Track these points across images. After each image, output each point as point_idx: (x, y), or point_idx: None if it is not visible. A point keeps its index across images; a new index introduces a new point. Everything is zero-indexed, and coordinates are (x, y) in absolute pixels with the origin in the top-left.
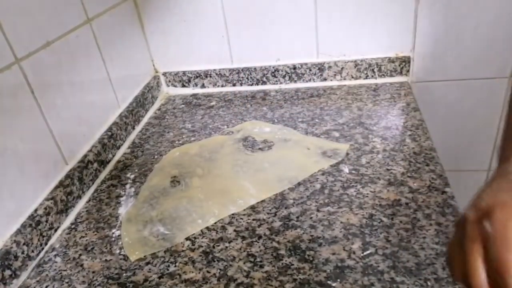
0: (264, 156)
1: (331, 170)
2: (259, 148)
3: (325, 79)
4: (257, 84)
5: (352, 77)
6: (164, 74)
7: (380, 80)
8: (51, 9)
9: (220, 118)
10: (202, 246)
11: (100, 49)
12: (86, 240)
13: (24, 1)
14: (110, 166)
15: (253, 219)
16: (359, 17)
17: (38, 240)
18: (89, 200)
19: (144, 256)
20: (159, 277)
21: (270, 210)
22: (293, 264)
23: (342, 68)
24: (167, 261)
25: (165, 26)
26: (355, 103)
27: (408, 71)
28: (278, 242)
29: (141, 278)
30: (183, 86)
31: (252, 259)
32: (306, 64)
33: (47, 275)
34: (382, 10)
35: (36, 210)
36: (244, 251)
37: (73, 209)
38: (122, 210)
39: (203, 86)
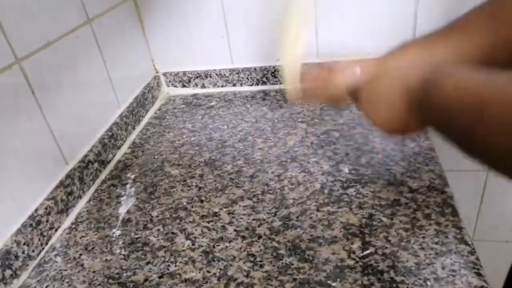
0: None
1: (331, 170)
2: None
3: None
4: (257, 84)
5: None
6: (165, 74)
7: None
8: (52, 9)
9: (220, 118)
10: (202, 246)
11: (101, 49)
12: (87, 240)
13: (25, 1)
14: (110, 166)
15: (253, 219)
16: (359, 18)
17: (39, 240)
18: (90, 200)
19: (144, 256)
20: (159, 277)
21: (270, 210)
22: (293, 264)
23: None
24: (167, 261)
25: (165, 26)
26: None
27: None
28: (278, 242)
29: (142, 277)
30: (183, 86)
31: (252, 259)
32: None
33: (47, 275)
34: (382, 10)
35: (36, 210)
36: (244, 250)
37: (73, 209)
38: (122, 210)
39: (203, 86)
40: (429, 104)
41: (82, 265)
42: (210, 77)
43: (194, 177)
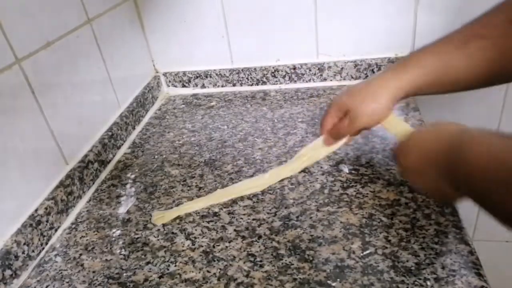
0: None
1: (331, 170)
2: None
3: (325, 79)
4: (257, 84)
5: (352, 77)
6: (165, 74)
7: None
8: (52, 9)
9: (220, 118)
10: (202, 246)
11: (101, 49)
12: (87, 240)
13: (25, 1)
14: (110, 166)
15: (253, 219)
16: (358, 17)
17: (39, 239)
18: (90, 200)
19: (144, 256)
20: (159, 277)
21: (270, 210)
22: (293, 264)
23: (342, 68)
24: (167, 261)
25: (165, 26)
26: None
27: None
28: (278, 242)
29: (141, 277)
30: (183, 86)
31: (252, 259)
32: (306, 64)
33: (47, 275)
34: (382, 10)
35: (36, 210)
36: (244, 250)
37: (73, 209)
38: (122, 210)
39: (203, 86)
40: (459, 175)
41: (82, 265)
42: (210, 77)
43: (194, 177)
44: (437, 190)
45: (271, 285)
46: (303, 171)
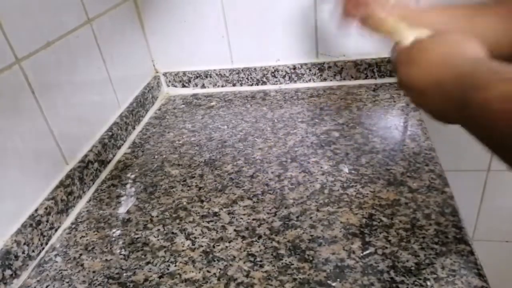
0: None
1: (331, 170)
2: None
3: (325, 79)
4: (257, 84)
5: (352, 77)
6: (165, 74)
7: (379, 80)
8: (52, 10)
9: (220, 118)
10: (202, 246)
11: (101, 49)
12: (87, 240)
13: (25, 1)
14: (110, 166)
15: (253, 219)
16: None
17: (39, 239)
18: (90, 200)
19: (144, 256)
20: (159, 277)
21: (270, 210)
22: (293, 264)
23: (342, 68)
24: (167, 261)
25: (165, 26)
26: (355, 103)
27: None
28: (278, 242)
29: (141, 277)
30: (183, 86)
31: (252, 259)
32: (306, 64)
33: (47, 274)
34: None
35: (36, 210)
36: (244, 250)
37: (73, 209)
38: (122, 210)
39: (203, 86)
40: (466, 105)
41: (82, 265)
42: (210, 77)
43: (194, 177)
44: (438, 112)
45: (271, 285)
46: (303, 171)
